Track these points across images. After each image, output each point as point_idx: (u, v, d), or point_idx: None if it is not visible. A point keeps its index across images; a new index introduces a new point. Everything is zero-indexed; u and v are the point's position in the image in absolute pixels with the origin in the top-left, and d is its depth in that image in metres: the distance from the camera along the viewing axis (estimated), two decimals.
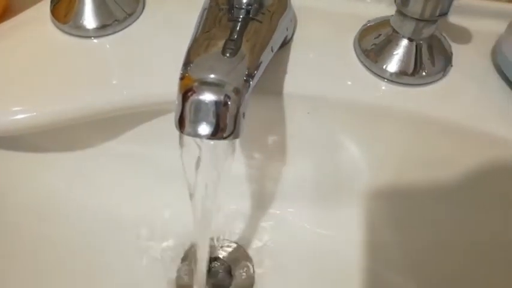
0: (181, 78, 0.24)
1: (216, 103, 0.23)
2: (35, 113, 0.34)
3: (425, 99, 0.34)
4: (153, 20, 0.38)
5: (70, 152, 0.40)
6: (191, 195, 0.27)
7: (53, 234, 0.39)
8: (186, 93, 0.24)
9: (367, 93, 0.34)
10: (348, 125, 0.36)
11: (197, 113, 0.23)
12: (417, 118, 0.34)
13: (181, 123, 0.24)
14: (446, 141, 0.34)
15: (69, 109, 0.34)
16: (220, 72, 0.24)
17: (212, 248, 0.41)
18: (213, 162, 0.26)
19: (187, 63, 0.25)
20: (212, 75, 0.24)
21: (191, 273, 0.40)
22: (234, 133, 0.24)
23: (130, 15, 0.37)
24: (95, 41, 0.37)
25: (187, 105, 0.24)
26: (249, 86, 0.24)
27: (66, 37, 0.37)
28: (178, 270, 0.40)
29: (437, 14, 0.31)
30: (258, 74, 0.25)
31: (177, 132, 0.38)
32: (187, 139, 0.25)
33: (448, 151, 0.34)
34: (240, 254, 0.41)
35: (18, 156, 0.39)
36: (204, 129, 0.24)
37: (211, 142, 0.25)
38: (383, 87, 0.34)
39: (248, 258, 0.41)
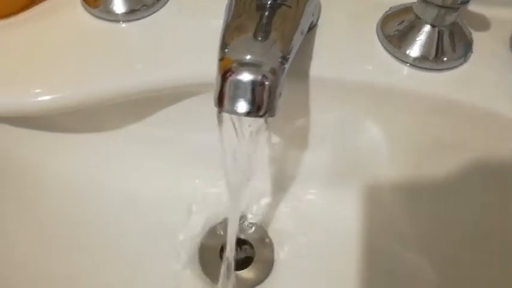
0: (221, 60, 0.25)
1: (254, 82, 0.25)
2: (62, 95, 0.35)
3: (446, 84, 0.35)
4: (181, 5, 0.39)
5: (94, 133, 0.41)
6: (226, 172, 0.29)
7: (74, 214, 0.40)
8: (225, 74, 0.25)
9: (389, 77, 0.35)
10: (370, 109, 0.37)
11: (236, 92, 0.25)
12: (438, 102, 0.35)
13: (220, 101, 0.25)
14: (466, 125, 0.35)
15: (95, 91, 0.35)
16: (257, 54, 0.25)
17: None
18: (247, 140, 0.27)
19: (224, 45, 0.26)
20: (249, 56, 0.25)
21: (215, 251, 0.41)
22: (270, 111, 0.25)
23: (158, 0, 0.38)
24: (123, 25, 0.38)
25: (227, 84, 0.25)
26: (285, 68, 0.25)
27: (96, 21, 0.38)
28: (202, 249, 0.42)
29: (459, 1, 0.32)
30: (291, 56, 0.27)
31: (198, 115, 0.39)
32: (224, 117, 0.26)
33: (467, 135, 0.35)
34: (261, 235, 0.43)
35: (44, 136, 0.40)
36: (242, 106, 0.25)
37: (247, 120, 0.26)
38: (405, 72, 0.35)
39: (268, 239, 0.42)
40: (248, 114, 0.25)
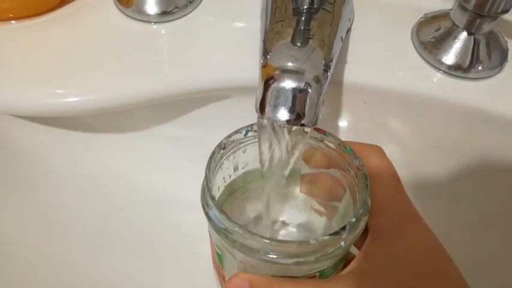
0: (263, 66, 0.25)
1: (297, 90, 0.24)
2: (91, 97, 0.35)
3: (482, 92, 0.34)
4: (212, 8, 0.39)
5: (120, 133, 0.41)
6: (264, 176, 0.29)
7: (98, 213, 0.40)
8: (268, 81, 0.25)
9: (424, 84, 0.35)
10: (402, 115, 0.36)
11: (278, 99, 0.24)
12: (471, 111, 0.34)
13: (262, 108, 0.25)
14: (500, 135, 0.35)
15: (123, 94, 0.35)
16: (299, 61, 0.25)
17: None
18: (285, 147, 0.27)
19: (265, 52, 0.26)
20: (292, 64, 0.25)
21: None
22: (312, 120, 0.25)
23: (190, 2, 0.38)
24: (154, 26, 0.38)
25: (269, 91, 0.25)
26: (328, 76, 0.25)
27: (127, 21, 0.38)
28: None
29: (499, 10, 0.32)
30: (333, 64, 0.26)
31: (227, 118, 0.39)
32: (264, 125, 0.26)
33: (501, 145, 0.35)
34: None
35: (70, 135, 0.40)
36: (284, 114, 0.25)
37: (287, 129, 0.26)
38: (440, 79, 0.35)
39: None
40: (289, 122, 0.25)
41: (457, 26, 0.34)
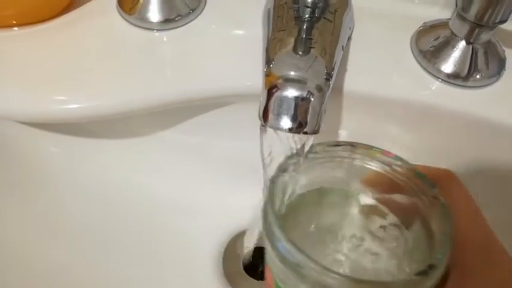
0: (267, 75, 0.25)
1: (299, 99, 0.25)
2: (93, 103, 0.35)
3: (480, 101, 0.35)
4: (215, 16, 0.39)
5: (123, 139, 0.42)
6: (265, 182, 0.29)
7: (101, 218, 0.40)
8: (271, 89, 0.25)
9: (423, 92, 0.35)
10: (401, 123, 0.37)
11: (281, 108, 0.25)
12: (471, 119, 0.35)
13: (265, 116, 0.25)
14: (498, 143, 0.35)
15: (126, 101, 0.35)
16: (302, 70, 0.26)
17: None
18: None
19: (268, 61, 0.26)
20: (295, 73, 0.25)
21: (238, 259, 0.42)
22: (314, 128, 0.25)
23: (193, 10, 0.39)
24: (157, 34, 0.38)
25: (272, 100, 0.25)
26: (330, 84, 0.26)
27: (130, 28, 0.38)
28: (226, 256, 0.42)
29: (497, 20, 0.32)
30: (335, 73, 0.27)
31: (232, 124, 0.40)
32: (266, 132, 0.27)
33: (499, 153, 0.35)
34: None
35: (74, 140, 0.40)
36: (286, 122, 0.25)
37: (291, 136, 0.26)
38: (438, 88, 0.35)
39: None
40: (291, 130, 0.25)
41: (456, 35, 0.35)
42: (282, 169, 0.24)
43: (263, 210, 0.22)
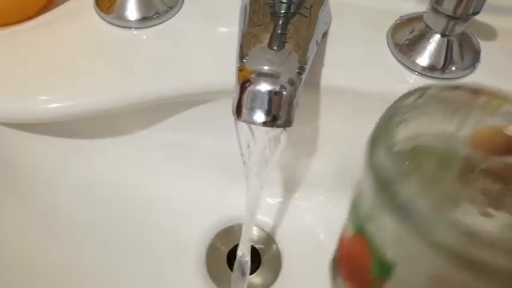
0: (240, 70, 0.26)
1: (272, 93, 0.25)
2: (73, 102, 0.35)
3: None
4: (193, 13, 0.39)
5: (108, 138, 0.41)
6: (247, 179, 0.29)
7: (89, 217, 0.40)
8: (244, 84, 0.25)
9: (399, 85, 0.36)
10: (379, 116, 0.37)
11: (254, 102, 0.25)
12: None
13: (238, 111, 0.25)
14: None
15: (106, 99, 0.36)
16: (275, 64, 0.26)
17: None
18: (263, 148, 0.28)
19: (242, 55, 0.27)
20: (268, 67, 0.26)
21: (223, 257, 0.42)
22: (287, 121, 0.26)
23: (171, 8, 0.39)
24: (135, 32, 0.38)
25: (245, 94, 0.25)
26: (302, 78, 0.26)
27: (109, 27, 0.38)
28: (210, 253, 0.42)
29: (470, 12, 0.33)
30: (308, 67, 0.27)
31: (211, 121, 0.40)
32: (242, 127, 0.27)
33: None
34: (267, 239, 0.43)
35: (58, 141, 0.40)
36: (260, 116, 0.25)
37: (265, 130, 0.27)
38: (414, 80, 0.36)
39: (275, 245, 0.43)
40: (265, 124, 0.25)
41: (430, 28, 0.35)
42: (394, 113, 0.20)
43: (373, 170, 0.18)
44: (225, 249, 0.43)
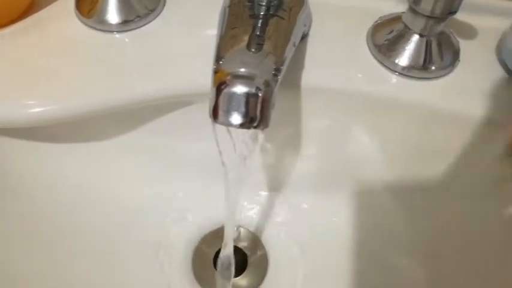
0: (215, 72, 0.26)
1: (248, 95, 0.25)
2: (55, 106, 0.35)
3: (434, 92, 0.35)
4: (174, 16, 0.39)
5: (88, 142, 0.41)
6: (225, 179, 0.29)
7: (68, 222, 0.40)
8: (219, 86, 0.25)
9: (379, 86, 0.36)
10: (360, 117, 0.38)
11: (230, 104, 0.25)
12: (427, 110, 0.36)
13: (215, 113, 0.25)
14: (454, 132, 0.36)
15: (88, 103, 0.35)
16: (250, 66, 0.26)
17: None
18: (241, 149, 0.28)
19: (218, 58, 0.27)
20: (243, 69, 0.26)
21: (209, 260, 0.42)
22: (263, 123, 0.26)
23: (152, 11, 0.39)
24: (117, 35, 0.38)
25: (221, 97, 0.25)
26: (278, 79, 0.26)
27: (90, 31, 0.38)
28: (196, 257, 0.42)
29: (447, 11, 0.33)
30: (284, 68, 0.27)
31: (192, 124, 0.40)
32: (219, 129, 0.27)
33: (455, 142, 0.36)
34: (253, 240, 0.43)
35: (37, 146, 0.40)
36: (236, 118, 0.25)
37: (241, 131, 0.27)
38: (394, 80, 0.36)
39: (261, 244, 0.43)
40: (242, 125, 0.26)
41: (409, 28, 0.35)
42: None
43: None
44: (212, 252, 0.43)
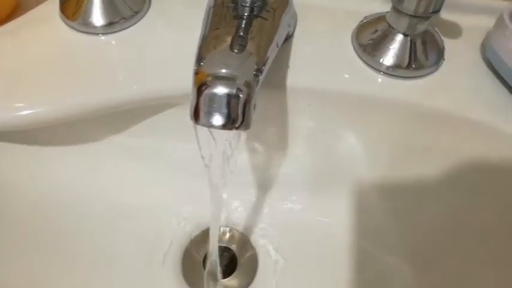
0: (196, 73, 0.26)
1: (229, 96, 0.25)
2: (41, 109, 0.35)
3: (419, 91, 0.36)
4: (159, 17, 0.39)
5: (75, 145, 0.41)
6: (209, 182, 0.29)
7: (57, 226, 0.40)
8: (200, 87, 0.25)
9: (364, 85, 0.36)
10: (346, 117, 0.38)
11: (211, 105, 0.25)
12: (412, 109, 0.36)
13: (196, 115, 0.25)
14: (439, 131, 0.36)
15: (75, 105, 0.35)
16: (231, 67, 0.26)
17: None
18: (224, 150, 0.28)
19: (200, 59, 0.27)
20: (224, 70, 0.26)
21: (197, 260, 0.42)
22: (244, 124, 0.26)
23: (137, 13, 0.39)
24: (103, 38, 0.38)
25: (202, 98, 0.25)
26: (259, 80, 0.26)
27: (75, 34, 0.38)
28: (185, 258, 0.42)
29: (430, 10, 0.33)
30: (266, 68, 0.27)
31: (179, 126, 0.40)
32: (201, 130, 0.27)
33: (441, 140, 0.36)
34: (243, 241, 0.43)
35: (25, 149, 0.40)
36: (218, 120, 0.25)
37: (223, 132, 0.27)
38: (379, 80, 0.36)
39: (250, 245, 0.43)
40: (224, 127, 0.25)
41: (393, 28, 0.35)
42: None
43: None
44: (201, 253, 0.43)
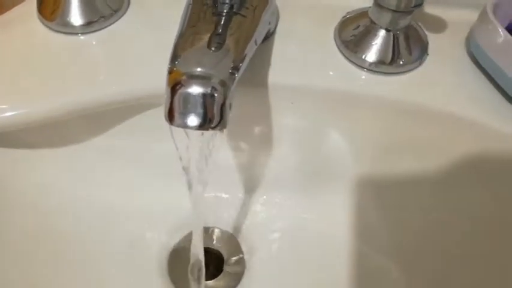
0: (170, 72, 0.25)
1: (204, 95, 0.25)
2: (22, 111, 0.35)
3: (403, 87, 0.35)
4: (139, 16, 0.39)
5: (58, 147, 0.41)
6: (188, 183, 0.29)
7: (42, 229, 0.39)
8: (174, 87, 0.25)
9: (347, 82, 0.35)
10: (330, 114, 0.37)
11: (186, 105, 0.25)
12: (396, 105, 0.35)
13: (170, 115, 0.25)
14: (424, 126, 0.36)
15: (56, 106, 0.35)
16: (206, 66, 0.25)
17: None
18: (202, 150, 0.28)
19: (174, 57, 0.26)
20: (199, 69, 0.25)
21: (183, 261, 0.41)
22: (221, 123, 0.25)
23: (116, 11, 0.38)
24: (82, 37, 0.38)
25: (176, 98, 0.25)
26: (235, 78, 0.25)
27: (53, 34, 0.38)
28: (171, 260, 0.41)
29: (412, 5, 0.33)
30: (243, 66, 0.27)
31: (162, 126, 0.39)
32: (178, 130, 0.26)
33: (425, 136, 0.36)
34: (230, 241, 0.43)
35: (8, 152, 0.39)
36: (193, 120, 0.25)
37: (200, 132, 0.26)
38: (363, 77, 0.36)
39: (238, 245, 0.42)
40: (200, 127, 0.25)
41: (375, 24, 0.35)
42: None
43: None
44: (188, 254, 0.42)
